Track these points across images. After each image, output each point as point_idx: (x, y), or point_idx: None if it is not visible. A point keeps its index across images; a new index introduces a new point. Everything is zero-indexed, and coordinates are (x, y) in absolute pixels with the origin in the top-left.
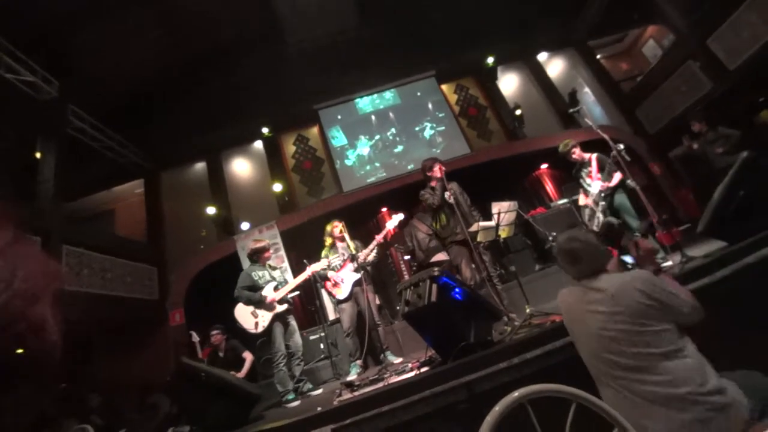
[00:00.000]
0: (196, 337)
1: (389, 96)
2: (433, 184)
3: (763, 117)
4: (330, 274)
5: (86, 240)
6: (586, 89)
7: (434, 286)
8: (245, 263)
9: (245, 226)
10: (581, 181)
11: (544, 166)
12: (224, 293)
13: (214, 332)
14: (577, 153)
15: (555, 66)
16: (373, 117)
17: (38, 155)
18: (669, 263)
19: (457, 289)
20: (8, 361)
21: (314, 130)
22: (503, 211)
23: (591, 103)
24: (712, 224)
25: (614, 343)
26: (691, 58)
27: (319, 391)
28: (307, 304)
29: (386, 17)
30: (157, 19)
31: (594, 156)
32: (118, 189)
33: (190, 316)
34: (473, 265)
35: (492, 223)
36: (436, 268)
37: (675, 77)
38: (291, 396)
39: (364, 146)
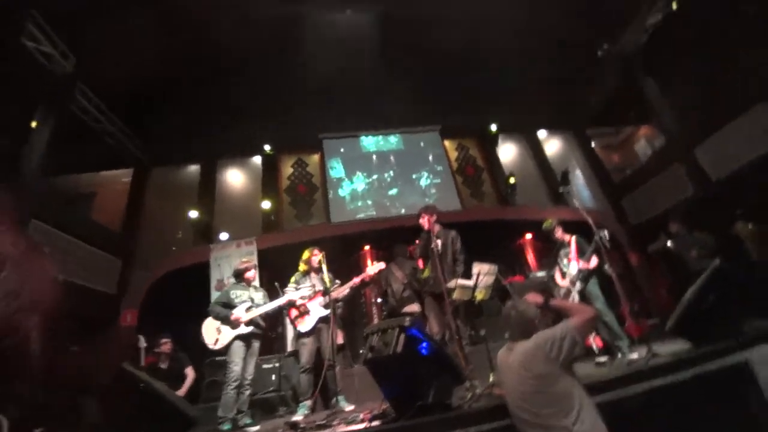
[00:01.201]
0: (143, 343)
1: (394, 140)
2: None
3: (738, 229)
4: (298, 301)
5: (57, 218)
6: (578, 172)
7: (402, 336)
8: (215, 275)
9: (224, 236)
10: (559, 260)
11: (529, 236)
12: (185, 302)
13: (164, 340)
14: (559, 233)
15: (552, 144)
16: (374, 156)
17: (33, 124)
18: (635, 356)
19: (424, 344)
20: None
21: (315, 157)
22: (483, 273)
23: (581, 186)
24: (681, 323)
25: (525, 402)
26: (679, 162)
27: (257, 428)
28: (268, 329)
29: (405, 65)
30: (182, 25)
31: (573, 238)
32: (105, 174)
33: (142, 319)
34: (444, 320)
35: (470, 282)
36: (407, 318)
37: (661, 176)
38: (227, 426)
39: (360, 182)
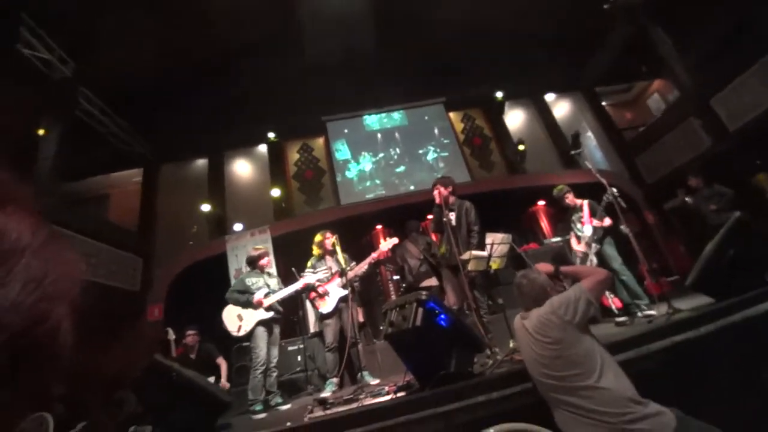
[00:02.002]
0: (172, 335)
1: (397, 117)
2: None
3: (758, 179)
4: (316, 284)
5: (75, 222)
6: (589, 133)
7: (420, 310)
8: (233, 265)
9: (238, 227)
10: (572, 226)
11: (541, 202)
12: (207, 293)
13: (190, 332)
14: (570, 198)
15: (561, 107)
16: (379, 135)
17: (41, 132)
18: (653, 312)
19: (442, 316)
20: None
21: (320, 141)
22: (497, 242)
23: (593, 147)
24: (701, 279)
25: (546, 368)
26: (694, 116)
27: (288, 406)
28: (288, 313)
29: (403, 41)
30: (177, 16)
31: (586, 202)
32: (116, 175)
33: (168, 313)
34: (461, 292)
35: (485, 253)
36: (424, 292)
37: (676, 132)
38: (259, 407)
39: (366, 162)
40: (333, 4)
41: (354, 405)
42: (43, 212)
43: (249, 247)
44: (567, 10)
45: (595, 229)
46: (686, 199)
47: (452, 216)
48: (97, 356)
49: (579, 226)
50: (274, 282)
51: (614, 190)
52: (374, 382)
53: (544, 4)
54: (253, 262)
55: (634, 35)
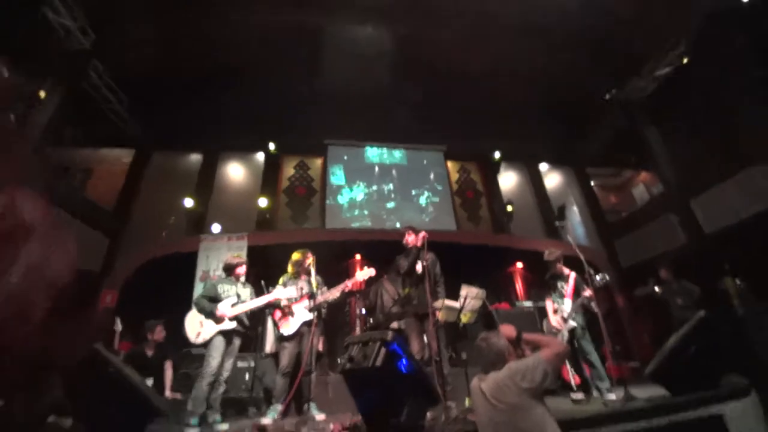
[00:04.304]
0: (119, 326)
1: (398, 155)
2: (410, 245)
3: (726, 283)
4: (284, 303)
5: (48, 188)
6: (575, 208)
7: (383, 350)
8: (201, 266)
9: (216, 228)
10: (553, 293)
11: (520, 265)
12: (167, 290)
13: (159, 328)
14: (558, 266)
15: (552, 178)
16: (377, 168)
17: (42, 94)
18: (612, 397)
19: (404, 361)
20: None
21: (318, 162)
22: (471, 296)
23: (576, 222)
24: (660, 370)
25: None
26: (673, 212)
27: (226, 427)
28: (250, 328)
29: (416, 85)
30: (205, 16)
31: (573, 276)
32: (105, 152)
33: (121, 302)
34: (424, 340)
35: (457, 304)
36: (390, 332)
37: (655, 223)
38: (195, 421)
39: (359, 192)
40: (356, 39)
41: None
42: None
43: (223, 251)
44: (572, 91)
45: (574, 305)
46: (656, 288)
47: (421, 265)
48: (31, 334)
49: (558, 296)
50: (246, 293)
51: (606, 276)
52: (320, 416)
53: (551, 79)
54: (229, 270)
55: (628, 127)
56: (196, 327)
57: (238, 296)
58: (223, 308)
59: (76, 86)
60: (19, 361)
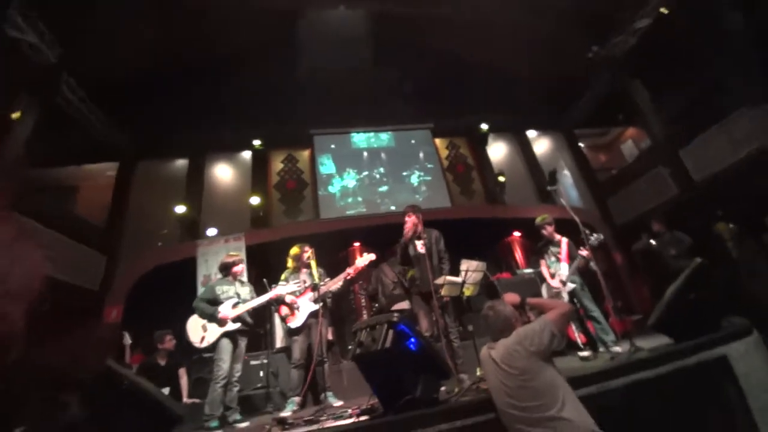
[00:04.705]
0: (128, 340)
1: (385, 137)
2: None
3: (719, 228)
4: (288, 298)
5: (38, 211)
6: (566, 172)
7: (390, 332)
8: (202, 271)
9: (212, 232)
10: (546, 258)
11: (517, 234)
12: (171, 299)
13: (169, 337)
14: (548, 230)
15: (541, 144)
16: (365, 153)
17: (15, 115)
18: (619, 350)
19: (412, 339)
20: None
21: (305, 153)
22: (471, 269)
23: (568, 185)
24: (662, 320)
25: (510, 398)
26: (662, 164)
27: (246, 424)
28: (255, 326)
29: (398, 65)
30: (174, 14)
31: (565, 240)
32: (89, 167)
33: (127, 316)
34: (432, 318)
35: (458, 279)
36: (395, 314)
37: (646, 178)
38: (215, 423)
39: (350, 179)
40: (332, 22)
41: (314, 427)
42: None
43: (221, 254)
44: (553, 54)
45: (571, 268)
46: (651, 242)
47: (419, 244)
48: (44, 355)
49: (553, 260)
50: (246, 291)
51: (600, 236)
52: (338, 403)
53: (532, 46)
54: (226, 269)
55: (613, 84)
56: (199, 332)
57: (238, 295)
58: (225, 310)
59: (50, 103)
60: (32, 384)
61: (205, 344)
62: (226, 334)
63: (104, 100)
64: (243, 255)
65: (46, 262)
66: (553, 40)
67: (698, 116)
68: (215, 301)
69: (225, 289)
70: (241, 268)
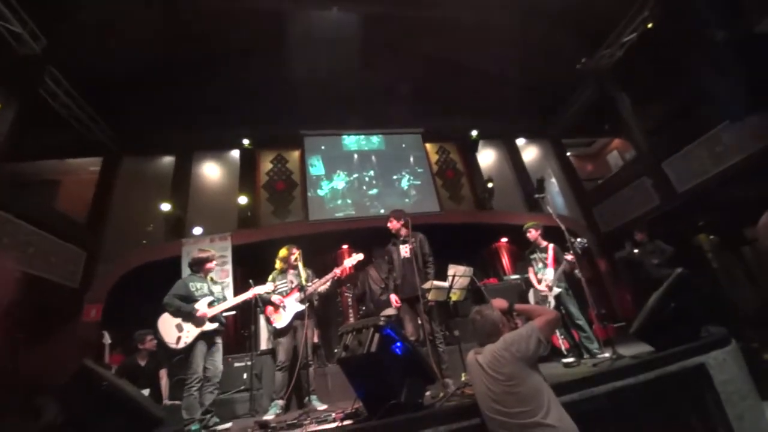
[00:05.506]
0: (107, 339)
1: (376, 140)
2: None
3: (700, 239)
4: (274, 297)
5: (18, 205)
6: (553, 180)
7: (376, 336)
8: (187, 270)
9: (197, 231)
10: (534, 264)
11: (504, 240)
12: (153, 298)
13: (150, 337)
14: (533, 234)
15: (530, 152)
16: (355, 156)
17: None
18: (606, 355)
19: (398, 344)
20: None
21: (295, 154)
22: (458, 275)
23: (555, 193)
24: (644, 328)
25: (496, 404)
26: (646, 175)
27: (228, 425)
28: (240, 327)
29: (390, 69)
30: (165, 9)
31: (552, 246)
32: (71, 162)
33: (107, 315)
34: (418, 322)
35: (445, 284)
36: (382, 318)
37: (630, 188)
38: (195, 427)
39: (340, 181)
40: (324, 24)
41: (297, 430)
42: None
43: None
44: (543, 63)
45: (557, 272)
46: (634, 251)
47: (407, 248)
48: (19, 355)
49: (540, 266)
50: (218, 289)
51: (585, 240)
52: (322, 407)
53: (522, 54)
54: (197, 265)
55: (600, 96)
56: (174, 331)
57: (211, 293)
58: (202, 308)
59: (33, 95)
60: (7, 389)
61: (182, 345)
62: (202, 335)
63: (90, 95)
64: (229, 255)
65: (18, 268)
66: (544, 49)
67: (681, 129)
68: (189, 298)
69: (199, 286)
70: (214, 265)
